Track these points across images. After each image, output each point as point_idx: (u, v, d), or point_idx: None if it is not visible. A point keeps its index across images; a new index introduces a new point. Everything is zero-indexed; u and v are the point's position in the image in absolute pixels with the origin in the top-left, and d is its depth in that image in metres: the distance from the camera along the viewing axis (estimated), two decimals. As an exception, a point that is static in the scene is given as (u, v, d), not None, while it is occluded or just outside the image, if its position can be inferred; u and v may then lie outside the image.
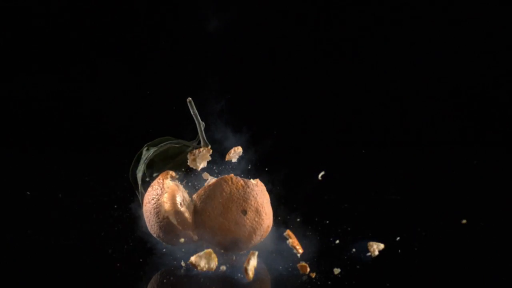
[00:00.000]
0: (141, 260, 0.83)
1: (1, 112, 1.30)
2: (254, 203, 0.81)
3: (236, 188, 0.81)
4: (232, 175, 0.82)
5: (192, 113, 0.85)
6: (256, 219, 0.81)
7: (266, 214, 0.82)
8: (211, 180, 0.85)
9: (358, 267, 0.80)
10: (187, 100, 0.85)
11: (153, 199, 0.82)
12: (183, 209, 0.82)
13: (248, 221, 0.81)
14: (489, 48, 1.27)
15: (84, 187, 1.09)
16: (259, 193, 0.82)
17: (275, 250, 0.84)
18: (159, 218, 0.82)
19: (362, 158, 1.25)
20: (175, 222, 0.81)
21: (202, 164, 0.86)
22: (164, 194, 0.82)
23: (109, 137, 1.28)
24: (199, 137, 0.85)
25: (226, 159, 0.87)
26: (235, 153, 0.86)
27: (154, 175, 0.87)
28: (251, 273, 0.77)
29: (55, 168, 1.20)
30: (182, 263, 0.81)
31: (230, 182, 0.81)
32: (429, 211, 1.00)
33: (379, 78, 1.29)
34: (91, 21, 1.27)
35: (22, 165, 1.23)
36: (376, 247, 0.83)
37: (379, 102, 1.30)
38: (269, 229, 0.84)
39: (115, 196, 1.00)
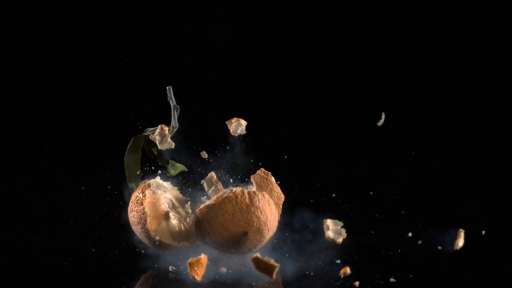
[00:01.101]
0: (135, 262, 0.83)
1: (1, 112, 1.30)
2: (257, 223, 0.81)
3: (239, 209, 0.80)
4: (239, 192, 0.81)
5: (168, 98, 0.86)
6: (257, 237, 0.81)
7: (268, 230, 0.82)
8: (215, 188, 0.85)
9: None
10: (167, 88, 0.86)
11: (138, 224, 0.82)
12: (173, 219, 0.82)
13: (248, 241, 0.81)
14: (489, 48, 1.27)
15: (84, 187, 1.09)
16: (264, 209, 0.81)
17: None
18: (151, 241, 0.82)
19: (362, 158, 1.25)
20: (168, 242, 0.82)
21: (168, 143, 0.86)
22: (147, 219, 0.81)
23: (109, 137, 1.28)
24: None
25: (231, 130, 0.86)
26: (237, 124, 0.85)
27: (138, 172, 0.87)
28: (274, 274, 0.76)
29: (55, 168, 1.20)
30: (170, 268, 0.81)
31: (234, 202, 0.80)
32: (429, 211, 1.00)
33: (379, 78, 1.29)
34: (91, 21, 1.27)
35: (22, 165, 1.23)
36: None
37: (379, 102, 1.29)
38: (272, 234, 0.84)
39: (115, 196, 1.00)
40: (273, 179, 0.84)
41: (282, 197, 0.85)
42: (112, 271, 0.82)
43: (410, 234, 0.89)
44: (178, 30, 1.28)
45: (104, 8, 1.27)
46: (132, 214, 0.82)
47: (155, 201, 0.82)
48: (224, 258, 0.83)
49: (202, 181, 0.87)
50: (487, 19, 1.26)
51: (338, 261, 0.82)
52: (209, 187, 0.87)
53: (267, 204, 0.81)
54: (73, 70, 1.29)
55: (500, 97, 1.29)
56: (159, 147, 0.85)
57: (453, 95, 1.30)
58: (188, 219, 0.83)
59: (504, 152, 1.26)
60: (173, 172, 0.88)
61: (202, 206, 0.81)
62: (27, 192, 1.09)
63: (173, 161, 0.88)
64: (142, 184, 0.83)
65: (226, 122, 0.85)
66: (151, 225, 0.81)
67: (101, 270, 0.82)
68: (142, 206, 0.81)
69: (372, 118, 1.30)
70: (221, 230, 0.80)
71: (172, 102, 0.86)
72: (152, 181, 0.84)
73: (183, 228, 0.82)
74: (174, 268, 0.80)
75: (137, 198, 0.82)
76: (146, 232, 0.81)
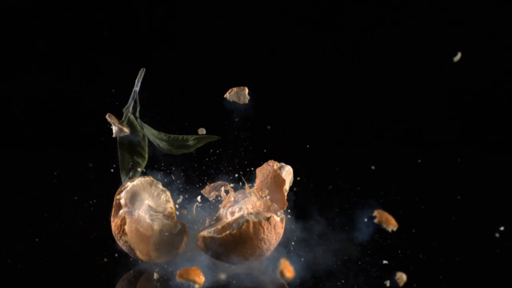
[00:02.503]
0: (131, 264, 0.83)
1: (1, 112, 1.30)
2: (259, 252, 0.81)
3: (243, 243, 0.79)
4: (244, 228, 0.79)
5: (137, 80, 0.86)
6: (256, 260, 0.82)
7: (270, 250, 0.82)
8: (233, 209, 0.85)
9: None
10: (141, 70, 0.86)
11: (130, 253, 0.82)
12: (156, 232, 0.82)
13: (247, 262, 0.82)
14: (489, 48, 1.27)
15: (84, 187, 1.09)
16: (268, 237, 0.80)
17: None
18: (144, 260, 0.82)
19: (362, 158, 1.25)
20: (161, 260, 0.82)
21: (118, 130, 0.86)
22: (136, 251, 0.81)
23: (109, 137, 1.28)
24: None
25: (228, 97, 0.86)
26: (239, 92, 0.85)
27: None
28: (289, 273, 0.75)
29: (55, 167, 1.20)
30: (155, 276, 0.81)
31: (238, 238, 0.79)
32: (428, 211, 1.00)
33: (379, 78, 1.29)
34: (91, 20, 1.27)
35: (22, 165, 1.23)
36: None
37: (379, 102, 1.30)
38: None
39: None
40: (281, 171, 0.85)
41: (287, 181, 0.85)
42: (103, 273, 0.82)
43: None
44: (178, 30, 1.28)
45: (104, 8, 1.27)
46: (120, 243, 0.82)
47: (136, 226, 0.82)
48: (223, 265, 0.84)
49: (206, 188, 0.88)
50: (487, 19, 1.26)
51: (385, 262, 0.83)
52: (211, 192, 0.88)
53: (273, 230, 0.81)
54: (73, 70, 1.29)
55: (500, 97, 1.29)
56: (114, 135, 0.86)
57: (453, 95, 1.30)
58: (172, 226, 0.84)
59: (504, 152, 1.26)
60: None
61: (205, 233, 0.81)
62: (27, 192, 1.09)
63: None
64: (115, 206, 0.83)
65: (226, 95, 0.86)
66: (141, 253, 0.81)
67: (89, 272, 0.83)
68: (126, 238, 0.81)
69: (372, 118, 1.30)
70: (222, 256, 0.81)
71: (136, 85, 0.86)
72: (123, 195, 0.83)
73: (170, 241, 0.83)
74: (157, 275, 0.80)
75: (118, 230, 0.82)
76: (140, 258, 0.82)
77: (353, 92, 1.29)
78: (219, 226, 0.80)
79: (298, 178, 0.90)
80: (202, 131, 0.87)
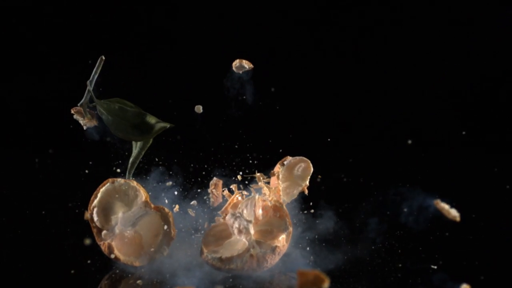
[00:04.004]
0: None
1: (1, 112, 1.30)
2: (262, 272, 0.81)
3: (246, 270, 0.80)
4: (248, 264, 0.80)
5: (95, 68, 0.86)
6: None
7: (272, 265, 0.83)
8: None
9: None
10: (100, 58, 0.85)
11: (127, 264, 0.83)
12: (145, 234, 0.82)
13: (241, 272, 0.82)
14: (489, 48, 1.27)
15: (83, 186, 1.09)
16: (271, 263, 0.81)
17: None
18: (148, 262, 0.83)
19: (362, 158, 1.25)
20: (165, 251, 0.82)
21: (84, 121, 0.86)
22: (133, 262, 0.82)
23: (109, 138, 1.28)
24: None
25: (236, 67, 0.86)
26: (241, 64, 0.85)
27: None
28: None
29: (54, 167, 1.20)
30: (139, 282, 0.81)
31: (240, 267, 0.80)
32: (429, 211, 1.00)
33: (379, 78, 1.29)
34: (91, 20, 1.27)
35: (21, 165, 1.23)
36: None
37: (379, 102, 1.30)
38: None
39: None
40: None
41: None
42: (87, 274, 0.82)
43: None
44: (178, 30, 1.28)
45: (104, 8, 1.27)
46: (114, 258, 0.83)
47: (123, 243, 0.82)
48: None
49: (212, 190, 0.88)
50: (487, 19, 1.26)
51: (435, 267, 0.82)
52: (216, 193, 0.88)
53: (277, 256, 0.81)
54: (73, 70, 1.29)
55: (500, 97, 1.29)
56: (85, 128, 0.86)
57: (453, 95, 1.30)
58: (154, 216, 0.83)
59: (503, 152, 1.26)
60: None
61: (209, 257, 0.80)
62: (28, 192, 1.09)
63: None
64: (93, 229, 0.83)
65: (233, 67, 0.86)
66: (141, 262, 0.82)
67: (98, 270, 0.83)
68: (121, 260, 0.82)
69: (372, 118, 1.30)
70: (223, 270, 0.81)
71: (93, 77, 0.85)
72: (95, 218, 0.83)
73: (159, 230, 0.83)
74: (140, 282, 0.80)
75: (109, 255, 0.82)
76: (143, 264, 0.82)
77: (352, 92, 1.29)
78: (222, 256, 0.80)
79: (320, 177, 0.91)
80: (198, 109, 0.86)
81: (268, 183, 0.85)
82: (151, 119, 0.85)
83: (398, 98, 1.29)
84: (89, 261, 0.84)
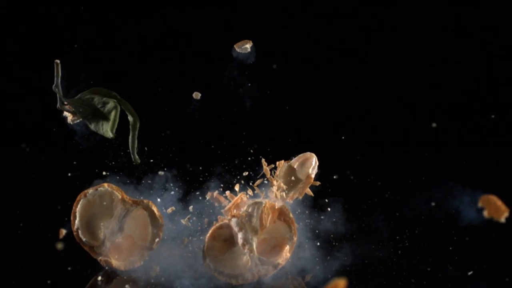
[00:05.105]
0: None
1: (1, 111, 1.30)
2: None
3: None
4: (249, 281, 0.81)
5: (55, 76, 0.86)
6: None
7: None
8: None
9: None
10: (55, 62, 0.86)
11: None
12: (135, 232, 0.82)
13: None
14: (489, 48, 1.27)
15: (83, 186, 1.09)
16: (268, 276, 0.81)
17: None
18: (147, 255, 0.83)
19: (362, 158, 1.25)
20: (159, 237, 0.82)
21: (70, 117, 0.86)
22: (134, 264, 0.82)
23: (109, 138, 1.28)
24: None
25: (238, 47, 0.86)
26: (243, 46, 0.86)
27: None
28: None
29: (54, 167, 1.20)
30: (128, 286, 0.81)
31: (241, 281, 0.80)
32: (428, 211, 1.00)
33: (379, 78, 1.29)
34: (91, 20, 1.27)
35: (21, 165, 1.23)
36: None
37: (379, 102, 1.29)
38: None
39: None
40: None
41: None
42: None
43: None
44: (178, 30, 1.28)
45: (104, 8, 1.27)
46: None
47: (118, 250, 0.82)
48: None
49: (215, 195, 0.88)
50: (488, 19, 1.26)
51: (470, 273, 0.82)
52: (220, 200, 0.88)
53: (278, 269, 0.81)
54: (73, 70, 1.28)
55: (500, 97, 1.29)
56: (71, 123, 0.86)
57: (453, 94, 1.29)
58: (137, 211, 0.83)
59: (504, 152, 1.26)
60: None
61: (211, 265, 0.81)
62: (27, 192, 1.09)
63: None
64: (86, 248, 0.83)
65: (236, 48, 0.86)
66: (141, 259, 0.82)
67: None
68: (122, 268, 0.82)
69: (373, 118, 1.30)
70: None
71: (56, 80, 0.86)
72: (82, 237, 0.83)
73: (145, 223, 0.83)
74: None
75: (110, 267, 0.82)
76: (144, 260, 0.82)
77: (353, 93, 1.29)
78: (224, 272, 0.80)
79: (335, 177, 0.91)
80: (197, 95, 0.87)
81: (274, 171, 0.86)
82: (111, 104, 0.85)
83: (410, 95, 1.29)
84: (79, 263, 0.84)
